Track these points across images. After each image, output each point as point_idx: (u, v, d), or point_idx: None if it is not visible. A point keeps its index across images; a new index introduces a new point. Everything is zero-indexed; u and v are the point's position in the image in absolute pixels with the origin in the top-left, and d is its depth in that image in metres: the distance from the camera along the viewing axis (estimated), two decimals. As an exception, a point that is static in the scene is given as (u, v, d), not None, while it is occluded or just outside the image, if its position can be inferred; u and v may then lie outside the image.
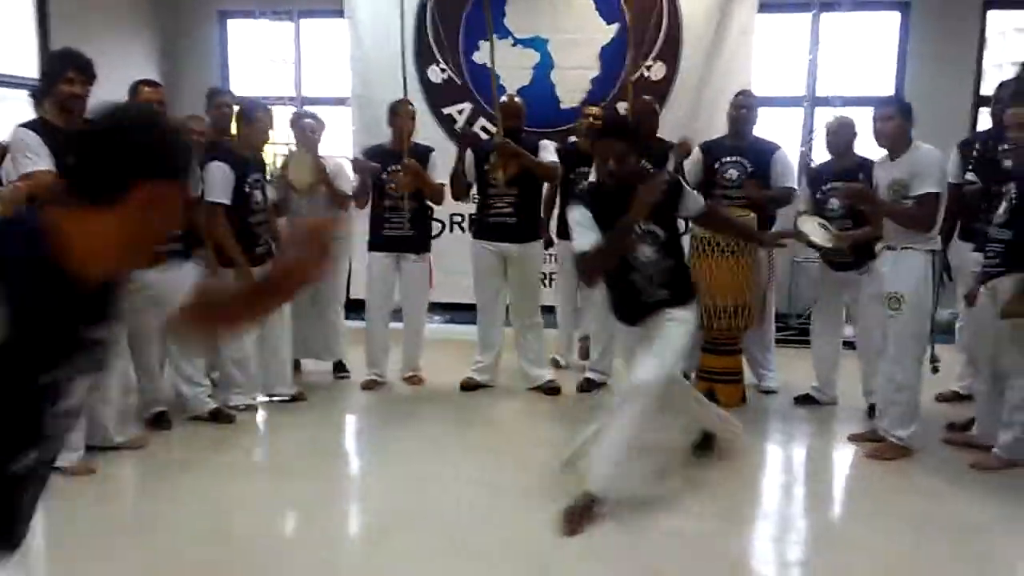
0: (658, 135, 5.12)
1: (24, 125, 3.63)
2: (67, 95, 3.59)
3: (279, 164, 5.08)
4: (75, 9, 5.92)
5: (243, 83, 7.22)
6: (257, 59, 7.01)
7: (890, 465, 3.84)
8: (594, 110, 5.29)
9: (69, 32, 5.53)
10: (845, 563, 2.97)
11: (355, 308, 5.57)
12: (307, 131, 4.93)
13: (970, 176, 4.45)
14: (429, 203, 5.01)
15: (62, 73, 3.59)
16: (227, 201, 4.29)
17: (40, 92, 3.82)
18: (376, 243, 4.98)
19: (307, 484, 3.65)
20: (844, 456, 4.12)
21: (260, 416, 4.58)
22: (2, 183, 3.56)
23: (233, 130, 4.72)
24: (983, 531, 3.21)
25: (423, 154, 4.95)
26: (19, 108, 4.37)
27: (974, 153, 4.48)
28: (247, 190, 4.39)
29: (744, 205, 4.61)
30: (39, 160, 3.52)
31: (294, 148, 5.06)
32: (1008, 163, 4.11)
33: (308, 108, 6.55)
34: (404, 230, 4.87)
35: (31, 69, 5.69)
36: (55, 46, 5.48)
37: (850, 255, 4.32)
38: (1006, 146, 4.11)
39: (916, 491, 3.60)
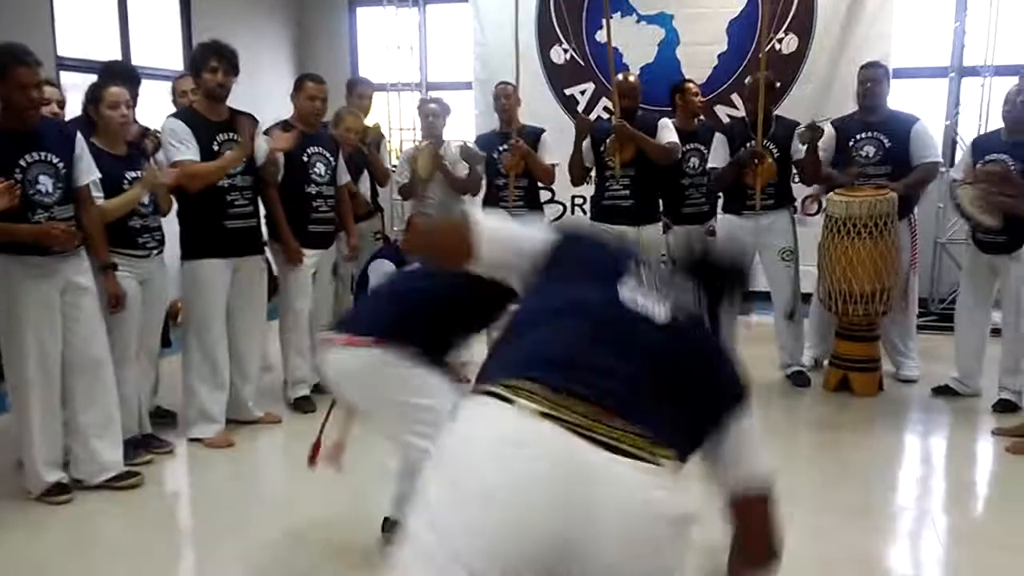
0: (778, 113, 4.89)
1: (174, 115, 3.86)
2: (211, 84, 3.80)
3: (408, 154, 5.18)
4: (214, 3, 6.22)
5: (371, 70, 7.41)
6: (384, 46, 7.16)
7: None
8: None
9: (208, 25, 5.80)
10: (986, 562, 2.80)
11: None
12: (430, 116, 5.01)
13: None
14: (540, 184, 5.01)
15: (207, 63, 3.79)
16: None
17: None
18: (489, 220, 5.01)
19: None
20: (986, 450, 3.87)
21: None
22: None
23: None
24: None
25: (535, 135, 4.94)
26: (166, 100, 4.63)
27: None
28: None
29: (882, 185, 4.38)
30: (186, 148, 3.74)
31: (421, 141, 5.14)
32: None
33: (433, 93, 6.66)
34: (515, 209, 4.88)
35: (176, 62, 6.03)
36: (196, 39, 5.79)
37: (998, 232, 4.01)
38: None
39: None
